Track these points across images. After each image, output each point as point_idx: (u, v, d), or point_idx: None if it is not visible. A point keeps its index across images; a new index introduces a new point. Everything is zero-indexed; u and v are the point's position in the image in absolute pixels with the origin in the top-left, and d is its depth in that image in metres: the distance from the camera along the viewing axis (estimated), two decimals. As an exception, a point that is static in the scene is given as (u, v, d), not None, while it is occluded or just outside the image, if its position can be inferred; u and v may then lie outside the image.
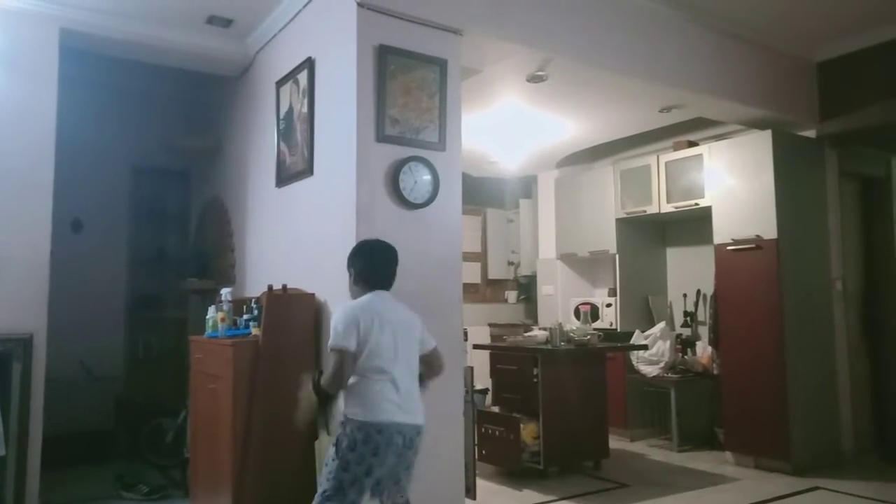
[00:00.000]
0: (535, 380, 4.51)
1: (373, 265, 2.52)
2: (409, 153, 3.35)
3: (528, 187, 7.66)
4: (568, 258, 6.73)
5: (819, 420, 4.85)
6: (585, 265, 6.77)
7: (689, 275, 6.05)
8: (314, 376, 2.42)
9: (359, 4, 3.25)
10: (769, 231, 4.74)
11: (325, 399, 2.39)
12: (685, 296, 6.04)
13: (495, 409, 4.88)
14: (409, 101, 3.36)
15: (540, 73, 4.17)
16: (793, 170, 4.88)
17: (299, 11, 3.87)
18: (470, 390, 3.59)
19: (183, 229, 5.73)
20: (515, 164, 6.67)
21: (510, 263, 7.93)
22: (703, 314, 5.80)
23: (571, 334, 4.89)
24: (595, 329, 5.37)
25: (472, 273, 7.38)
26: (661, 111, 5.15)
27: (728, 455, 4.99)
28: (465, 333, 3.69)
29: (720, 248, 5.05)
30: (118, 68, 4.76)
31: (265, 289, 3.41)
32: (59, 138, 3.92)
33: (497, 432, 4.57)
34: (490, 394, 5.19)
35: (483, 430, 4.63)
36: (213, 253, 5.02)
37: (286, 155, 3.97)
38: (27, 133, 3.82)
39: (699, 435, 5.48)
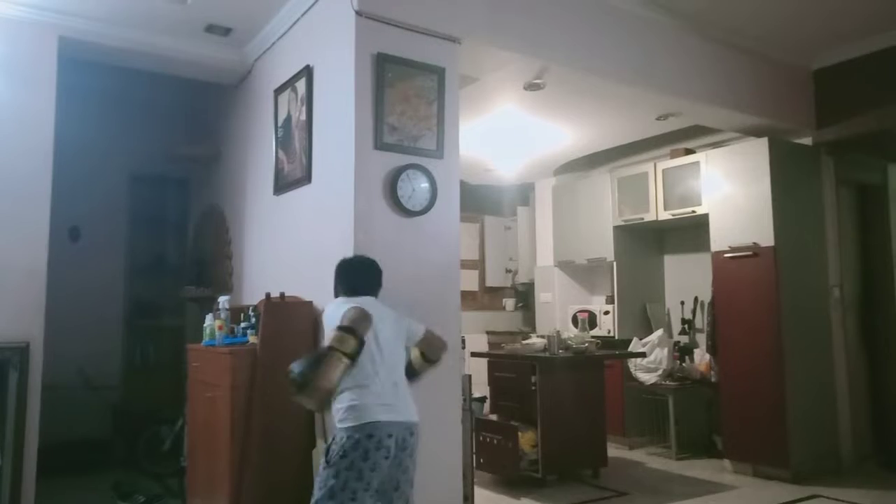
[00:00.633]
0: (534, 388, 4.50)
1: (356, 279, 2.58)
2: (407, 161, 3.35)
3: (525, 195, 7.67)
4: (566, 266, 6.73)
5: (818, 427, 4.85)
6: (583, 273, 6.77)
7: (686, 282, 6.06)
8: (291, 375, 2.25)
9: (357, 13, 3.26)
10: (766, 238, 4.75)
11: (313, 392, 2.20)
12: (683, 303, 6.05)
13: (493, 417, 4.87)
14: (407, 108, 3.37)
15: (537, 81, 4.18)
16: (789, 177, 4.90)
17: (298, 20, 3.89)
18: (468, 398, 3.58)
19: (181, 237, 5.73)
20: (513, 172, 6.68)
21: (508, 271, 7.93)
22: (701, 321, 5.80)
23: (569, 342, 4.89)
24: (593, 337, 5.37)
25: (469, 280, 7.37)
26: (657, 119, 5.17)
27: (727, 463, 4.98)
28: (463, 341, 3.68)
29: (717, 256, 5.06)
30: (117, 76, 4.77)
31: (263, 297, 3.40)
32: (58, 146, 3.93)
33: (495, 440, 4.56)
34: (488, 402, 5.18)
35: (481, 438, 4.62)
36: (211, 261, 5.02)
37: (284, 162, 3.97)
38: (26, 141, 3.82)
39: (698, 443, 5.47)
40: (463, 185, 3.73)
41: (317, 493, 2.30)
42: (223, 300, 3.62)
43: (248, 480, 3.16)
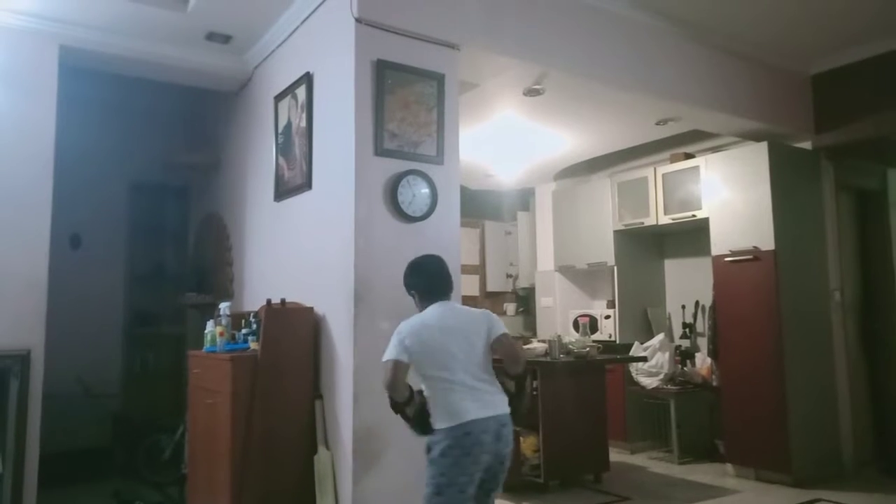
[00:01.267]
0: (535, 392, 4.49)
1: (428, 279, 2.63)
2: (408, 167, 3.36)
3: (525, 200, 7.68)
4: (566, 270, 6.73)
5: (819, 432, 4.84)
6: (584, 277, 6.77)
7: (687, 286, 6.06)
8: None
9: (357, 20, 3.27)
10: (766, 242, 4.76)
11: (397, 406, 2.46)
12: (684, 307, 6.04)
13: (495, 422, 4.85)
14: (408, 115, 3.38)
15: (537, 86, 4.20)
16: (789, 181, 4.90)
17: (298, 27, 3.90)
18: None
19: (181, 244, 5.73)
20: (513, 177, 6.69)
21: (508, 276, 7.93)
22: (702, 325, 5.80)
23: (570, 346, 4.88)
24: (594, 341, 5.35)
25: (470, 285, 7.37)
26: (657, 124, 5.18)
27: (728, 467, 4.97)
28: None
29: (718, 260, 5.06)
30: (117, 85, 4.78)
31: (264, 303, 3.41)
32: (59, 154, 3.94)
33: (497, 446, 4.54)
34: (489, 407, 5.16)
35: (483, 443, 4.60)
36: (212, 267, 5.02)
37: (284, 169, 3.98)
38: (27, 149, 3.84)
39: (699, 447, 5.45)
40: (463, 190, 3.73)
41: (426, 488, 2.42)
42: (224, 306, 3.63)
43: (249, 487, 3.16)
